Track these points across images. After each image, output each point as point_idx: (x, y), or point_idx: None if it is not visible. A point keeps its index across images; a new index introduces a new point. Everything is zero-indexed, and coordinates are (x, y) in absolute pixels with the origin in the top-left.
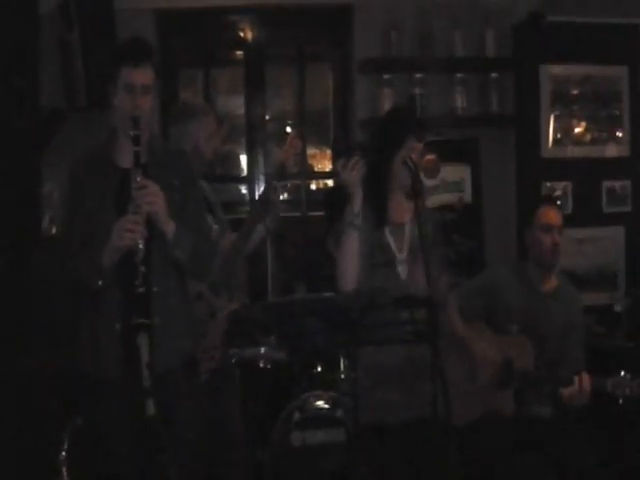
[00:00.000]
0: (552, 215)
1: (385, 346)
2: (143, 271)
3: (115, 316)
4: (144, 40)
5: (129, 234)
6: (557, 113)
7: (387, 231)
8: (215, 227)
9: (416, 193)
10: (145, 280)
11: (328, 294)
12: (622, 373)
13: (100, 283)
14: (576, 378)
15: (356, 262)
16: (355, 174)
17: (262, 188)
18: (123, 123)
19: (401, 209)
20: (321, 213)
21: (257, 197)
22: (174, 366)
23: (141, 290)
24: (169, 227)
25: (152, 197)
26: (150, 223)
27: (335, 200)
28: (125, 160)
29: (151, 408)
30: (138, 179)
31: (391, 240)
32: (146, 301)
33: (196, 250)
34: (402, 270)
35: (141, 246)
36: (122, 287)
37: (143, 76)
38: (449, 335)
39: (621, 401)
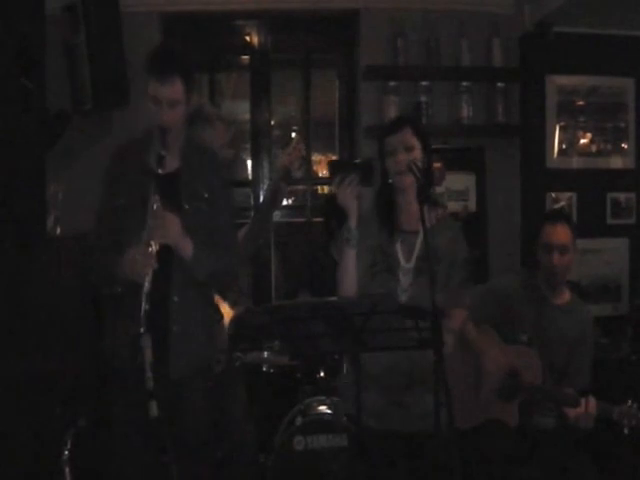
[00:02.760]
0: (553, 234)
1: (381, 354)
2: (146, 309)
3: (131, 319)
4: (173, 51)
5: (138, 268)
6: (563, 124)
7: (396, 238)
8: None
9: (421, 200)
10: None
11: (332, 298)
12: (629, 403)
13: (119, 289)
14: (583, 400)
15: (353, 278)
16: (351, 191)
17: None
18: (155, 131)
19: (415, 217)
20: None
21: (261, 198)
22: (191, 374)
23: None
24: (186, 251)
25: (166, 229)
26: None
27: (333, 209)
28: (156, 157)
29: (154, 410)
30: (155, 207)
31: (399, 248)
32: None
33: (215, 270)
34: (405, 279)
35: (147, 283)
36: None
37: (170, 91)
38: (460, 340)
39: (626, 431)
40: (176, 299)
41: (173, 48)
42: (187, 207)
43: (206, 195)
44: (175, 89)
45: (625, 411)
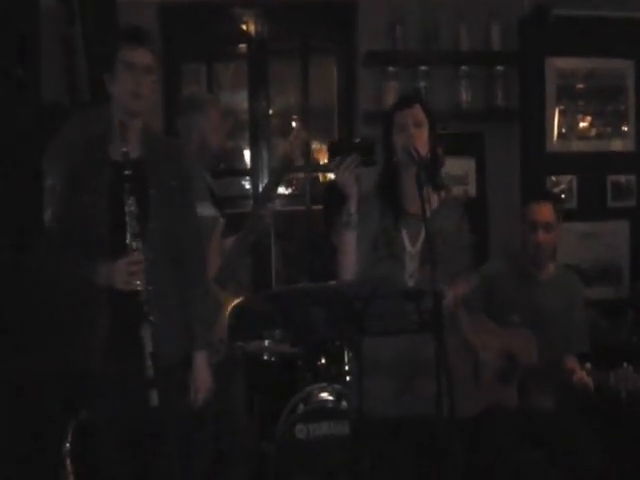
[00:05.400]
0: (538, 212)
1: (382, 339)
2: (147, 311)
3: (105, 310)
4: (142, 27)
5: (132, 278)
6: (562, 107)
7: (401, 222)
8: (222, 220)
9: (419, 183)
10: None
11: (331, 282)
12: (625, 365)
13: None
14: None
15: (353, 262)
16: (350, 173)
17: (265, 183)
18: (123, 104)
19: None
20: None
21: (260, 191)
22: (171, 364)
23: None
24: None
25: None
26: (140, 220)
27: (333, 195)
28: (119, 152)
29: (155, 399)
30: (132, 208)
31: (404, 232)
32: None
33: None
34: (411, 263)
35: (140, 288)
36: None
37: (144, 56)
38: (454, 330)
39: (624, 394)
40: (151, 288)
41: (139, 25)
42: (154, 192)
43: (174, 184)
44: (149, 55)
45: (621, 374)
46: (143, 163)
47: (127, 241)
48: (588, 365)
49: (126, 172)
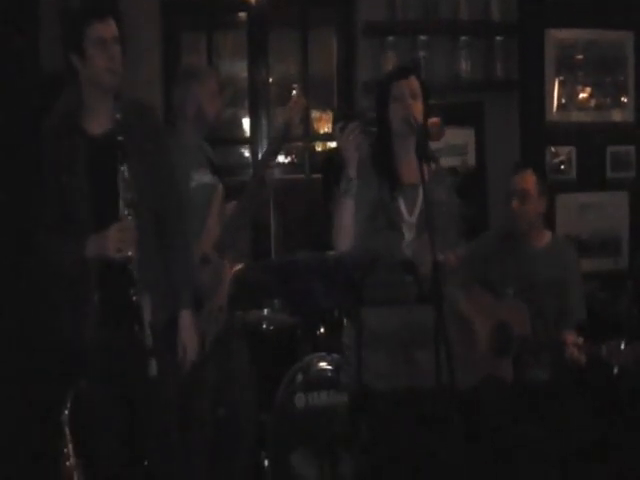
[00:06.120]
0: (516, 181)
1: (381, 310)
2: (137, 278)
3: (93, 285)
4: None
5: (123, 245)
6: (562, 78)
7: (398, 193)
8: (221, 187)
9: (420, 154)
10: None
11: (330, 252)
12: (617, 340)
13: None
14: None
15: (351, 229)
16: (352, 139)
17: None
18: (99, 81)
19: (415, 170)
20: None
21: (259, 157)
22: (158, 328)
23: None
24: None
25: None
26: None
27: (333, 164)
28: (94, 127)
29: (153, 368)
30: (125, 175)
31: (401, 202)
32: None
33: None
34: (409, 233)
35: (131, 253)
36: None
37: (112, 28)
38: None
39: (616, 370)
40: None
41: None
42: (133, 159)
43: (150, 146)
44: (114, 24)
45: (613, 348)
46: (119, 132)
47: (120, 209)
48: (580, 339)
49: (119, 138)
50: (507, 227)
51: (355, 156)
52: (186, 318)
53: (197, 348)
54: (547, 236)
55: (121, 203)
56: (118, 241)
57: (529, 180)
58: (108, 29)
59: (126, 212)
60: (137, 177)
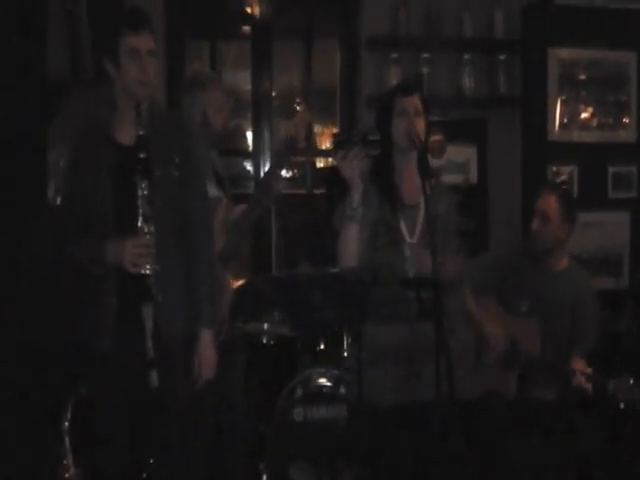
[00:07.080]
0: (539, 202)
1: (383, 325)
2: (155, 294)
3: (112, 290)
4: (142, 8)
5: (139, 260)
6: (564, 97)
7: (399, 213)
8: (225, 200)
9: (422, 171)
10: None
11: (333, 269)
12: (625, 376)
13: (101, 272)
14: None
15: (355, 253)
16: (355, 166)
17: (267, 168)
18: (130, 91)
19: (416, 189)
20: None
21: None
22: (175, 344)
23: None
24: None
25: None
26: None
27: (337, 179)
28: (124, 136)
29: (155, 380)
30: (145, 192)
31: (402, 222)
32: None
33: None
34: (410, 252)
35: (149, 271)
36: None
37: (147, 41)
38: (460, 311)
39: (622, 406)
40: (158, 267)
41: (140, 6)
42: (159, 172)
43: (177, 160)
44: (151, 39)
45: (620, 385)
46: (148, 143)
47: (139, 224)
48: (589, 370)
49: (141, 155)
50: (527, 245)
51: (359, 182)
52: (207, 337)
53: (214, 368)
54: (565, 261)
55: (140, 219)
56: (134, 256)
57: (550, 203)
58: (143, 41)
59: (145, 228)
60: (163, 190)
